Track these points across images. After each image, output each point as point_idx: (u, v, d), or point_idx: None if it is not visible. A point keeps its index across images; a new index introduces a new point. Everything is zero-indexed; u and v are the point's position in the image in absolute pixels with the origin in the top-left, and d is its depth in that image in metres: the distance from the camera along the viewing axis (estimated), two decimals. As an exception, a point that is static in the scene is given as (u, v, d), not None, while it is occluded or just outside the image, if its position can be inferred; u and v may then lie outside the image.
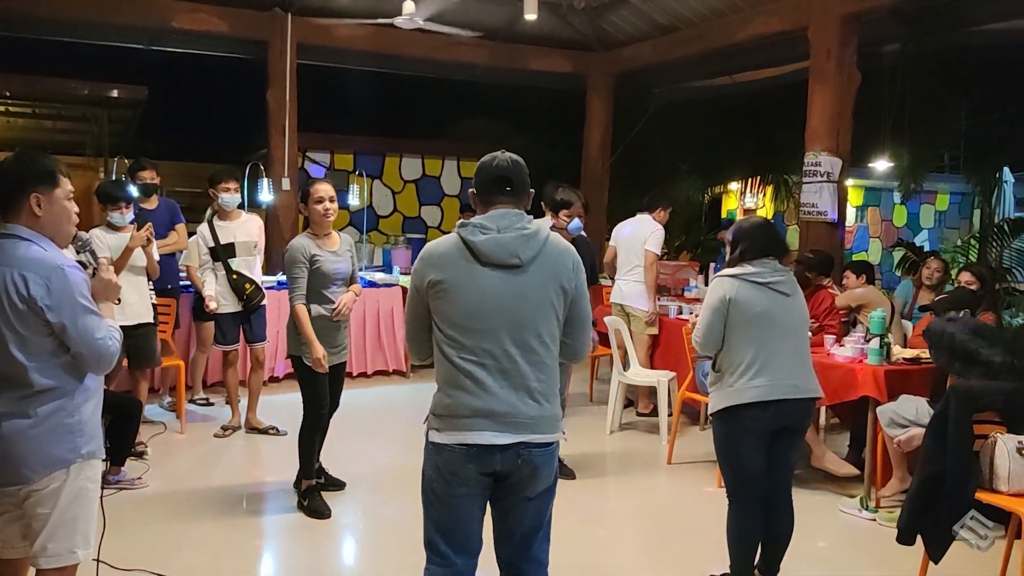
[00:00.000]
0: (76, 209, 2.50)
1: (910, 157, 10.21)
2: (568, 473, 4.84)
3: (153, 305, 5.23)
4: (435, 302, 2.37)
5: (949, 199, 16.67)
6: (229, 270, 5.50)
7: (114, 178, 9.28)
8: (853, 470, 4.62)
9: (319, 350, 4.06)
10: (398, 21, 6.39)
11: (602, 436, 5.87)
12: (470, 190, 2.54)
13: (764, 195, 13.79)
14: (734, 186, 14.53)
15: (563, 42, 10.09)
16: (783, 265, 3.36)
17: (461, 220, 2.46)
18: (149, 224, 4.99)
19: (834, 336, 5.03)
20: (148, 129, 11.08)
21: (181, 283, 6.13)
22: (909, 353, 4.63)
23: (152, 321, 5.18)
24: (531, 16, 7.76)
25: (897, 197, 14.82)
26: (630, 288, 6.21)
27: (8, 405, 2.30)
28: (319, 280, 4.13)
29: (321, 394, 4.22)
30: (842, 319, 5.48)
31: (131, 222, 5.03)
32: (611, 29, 9.98)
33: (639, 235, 6.19)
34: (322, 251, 4.16)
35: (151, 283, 5.24)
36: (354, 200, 10.16)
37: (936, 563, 3.32)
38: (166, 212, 5.82)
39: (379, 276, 7.80)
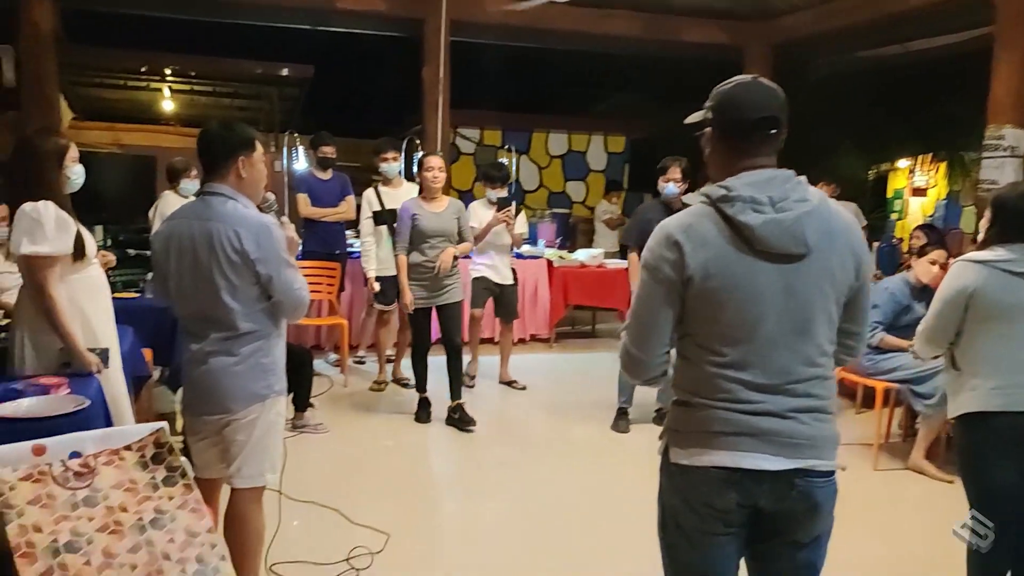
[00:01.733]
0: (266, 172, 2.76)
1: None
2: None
3: None
4: (694, 303, 1.81)
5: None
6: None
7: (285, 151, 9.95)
8: None
9: (408, 296, 4.98)
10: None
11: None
12: (705, 133, 1.93)
13: (936, 172, 12.93)
14: (903, 163, 13.70)
15: (718, 12, 9.78)
16: None
17: (708, 189, 1.84)
18: None
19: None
20: (313, 107, 11.69)
21: (348, 249, 6.64)
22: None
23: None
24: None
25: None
26: None
27: (216, 344, 2.60)
28: (418, 235, 4.96)
29: (421, 329, 5.11)
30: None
31: None
32: (768, -2, 9.58)
33: None
34: (424, 211, 4.99)
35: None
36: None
37: None
38: (337, 184, 6.41)
39: (525, 249, 7.91)
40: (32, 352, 2.87)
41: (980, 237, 2.83)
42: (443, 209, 5.06)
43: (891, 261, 8.64)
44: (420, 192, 5.16)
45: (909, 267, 5.09)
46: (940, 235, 6.65)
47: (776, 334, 1.77)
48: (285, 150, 7.24)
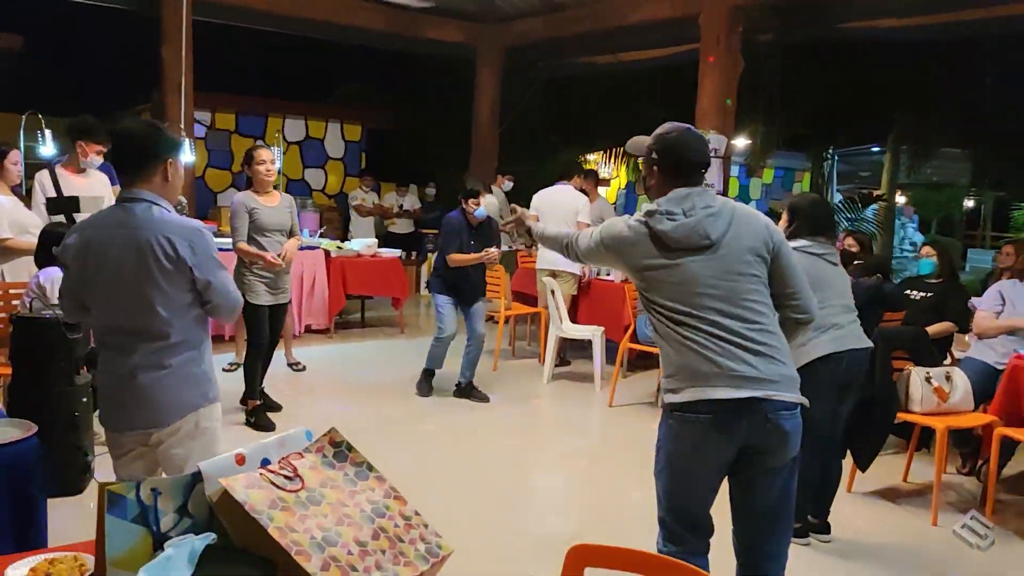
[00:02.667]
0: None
1: (762, 137, 11.42)
2: (482, 397, 5.79)
3: None
4: (647, 283, 2.39)
5: (774, 173, 18.37)
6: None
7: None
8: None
9: (268, 255, 4.82)
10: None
11: (540, 384, 6.41)
12: (651, 162, 2.48)
13: (620, 166, 14.72)
14: (592, 157, 15.45)
15: (457, 13, 10.37)
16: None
17: (648, 207, 2.44)
18: None
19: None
20: (24, 81, 10.25)
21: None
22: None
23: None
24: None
25: (735, 171, 16.39)
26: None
27: (146, 357, 2.47)
28: (257, 230, 4.89)
29: (261, 328, 5.00)
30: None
31: None
32: (501, 2, 10.37)
33: (570, 205, 6.66)
34: (260, 205, 4.92)
35: None
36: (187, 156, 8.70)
37: (864, 471, 4.15)
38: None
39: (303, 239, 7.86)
40: None
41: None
42: (278, 203, 5.01)
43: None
44: (250, 185, 5.00)
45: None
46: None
47: (718, 300, 2.31)
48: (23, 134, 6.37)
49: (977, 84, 10.98)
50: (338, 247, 7.74)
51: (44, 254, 4.30)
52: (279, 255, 4.91)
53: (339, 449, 1.65)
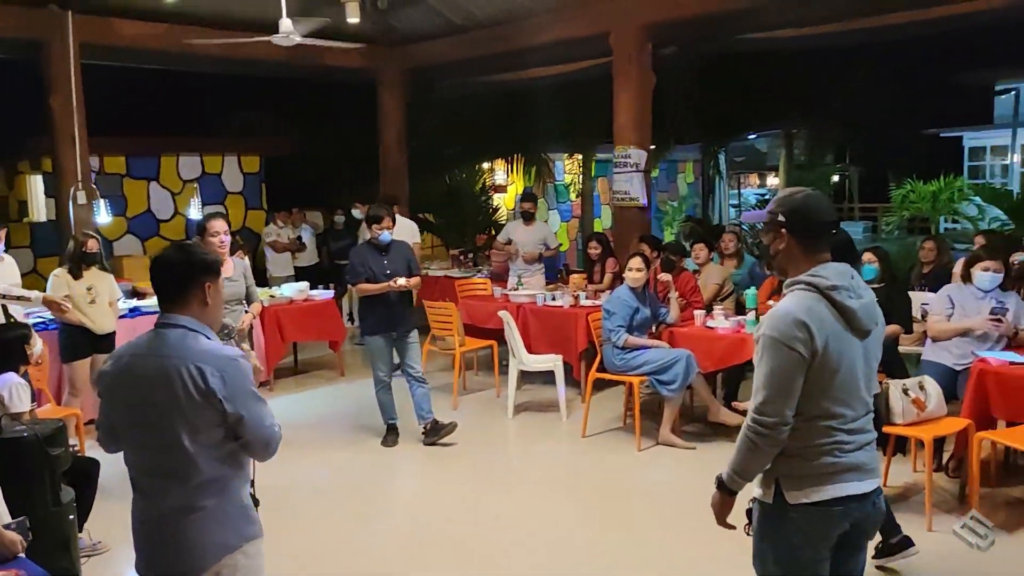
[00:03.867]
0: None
1: (660, 140, 11.82)
2: (450, 428, 5.77)
3: None
4: (814, 372, 2.23)
5: (659, 167, 19.00)
6: None
7: None
8: (743, 419, 5.63)
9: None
10: (275, 39, 6.21)
11: (504, 419, 6.40)
12: (778, 226, 2.34)
13: (517, 173, 14.84)
14: (486, 165, 15.52)
15: (354, 38, 10.13)
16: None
17: (809, 279, 2.29)
18: None
19: (702, 311, 6.01)
20: None
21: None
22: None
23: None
24: (354, 20, 7.89)
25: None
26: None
27: (177, 499, 2.30)
28: None
29: None
30: (722, 295, 6.53)
31: None
32: (400, 25, 10.22)
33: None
34: None
35: None
36: (103, 218, 8.29)
37: (855, 484, 4.37)
38: None
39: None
40: None
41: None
42: (232, 272, 4.90)
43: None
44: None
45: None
46: (606, 242, 8.00)
47: (862, 391, 2.32)
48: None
49: (849, 80, 11.84)
50: (271, 296, 7.46)
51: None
52: (239, 328, 4.77)
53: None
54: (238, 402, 2.30)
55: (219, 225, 4.84)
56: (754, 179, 26.54)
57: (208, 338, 2.38)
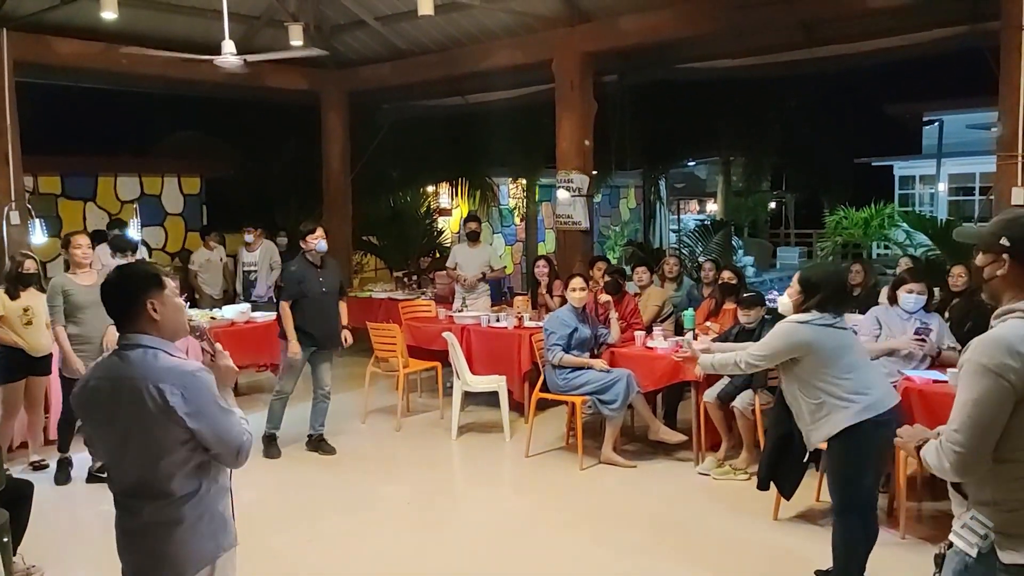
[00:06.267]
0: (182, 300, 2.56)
1: (603, 165, 12.05)
2: (330, 449, 6.04)
3: None
4: None
5: (601, 192, 19.28)
6: None
7: None
8: (683, 437, 5.75)
9: (76, 362, 5.26)
10: (219, 60, 6.18)
11: (448, 440, 6.41)
12: (1000, 250, 2.08)
13: (462, 196, 14.90)
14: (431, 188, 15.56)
15: (298, 60, 10.13)
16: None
17: None
18: None
19: (642, 332, 6.14)
20: None
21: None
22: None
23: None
24: (297, 42, 7.90)
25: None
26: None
27: (153, 515, 2.33)
28: (72, 308, 5.35)
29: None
30: (662, 315, 6.67)
31: None
32: (344, 49, 10.28)
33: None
34: (76, 286, 5.39)
35: None
36: (39, 238, 8.29)
37: (788, 499, 4.52)
38: None
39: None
40: None
41: (788, 303, 3.83)
42: (94, 282, 5.33)
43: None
44: (68, 268, 5.55)
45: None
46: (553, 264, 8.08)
47: None
48: None
49: (784, 110, 12.28)
50: (212, 319, 7.35)
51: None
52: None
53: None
54: (200, 417, 2.31)
55: (83, 240, 5.56)
56: (694, 205, 27.14)
57: (170, 354, 2.38)
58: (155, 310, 2.39)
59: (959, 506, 2.19)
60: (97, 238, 6.81)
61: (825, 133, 16.11)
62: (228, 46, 6.01)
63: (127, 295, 2.39)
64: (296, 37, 7.94)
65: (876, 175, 22.81)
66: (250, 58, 6.37)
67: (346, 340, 6.18)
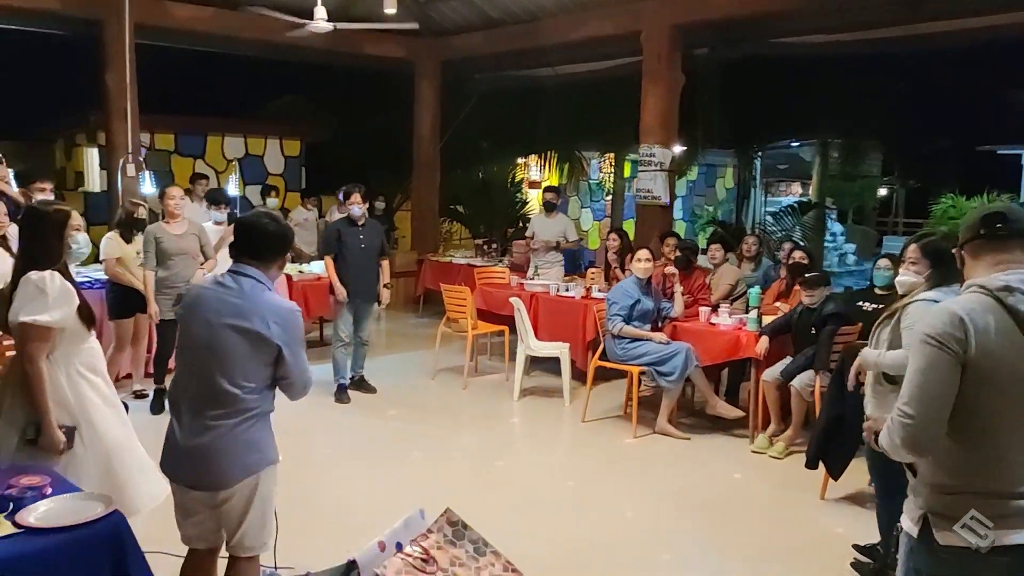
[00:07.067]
0: None
1: (690, 141, 11.87)
2: (370, 388, 6.63)
3: None
4: (973, 386, 1.95)
5: (697, 171, 18.95)
6: None
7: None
8: (740, 413, 5.78)
9: (154, 306, 5.75)
10: (311, 25, 6.52)
11: (509, 401, 6.63)
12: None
13: (551, 169, 14.98)
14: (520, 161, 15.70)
15: (393, 29, 10.42)
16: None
17: (984, 281, 2.03)
18: None
19: (708, 308, 6.16)
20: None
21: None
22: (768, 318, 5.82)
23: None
24: (391, 10, 8.13)
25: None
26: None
27: (213, 421, 2.63)
28: (162, 255, 5.78)
29: (165, 337, 5.84)
30: (734, 295, 6.66)
31: None
32: (438, 17, 10.49)
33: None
34: (167, 234, 5.82)
35: None
36: (147, 188, 9.45)
37: (836, 480, 4.52)
38: None
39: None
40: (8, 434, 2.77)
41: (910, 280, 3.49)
42: (184, 231, 5.86)
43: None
44: (163, 217, 5.98)
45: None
46: (625, 238, 8.14)
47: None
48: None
49: (889, 90, 11.75)
50: (300, 271, 7.77)
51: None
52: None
53: (456, 528, 1.83)
54: (291, 348, 2.65)
55: (176, 192, 6.01)
56: (796, 188, 26.27)
57: (271, 291, 2.72)
58: (283, 263, 2.82)
59: (911, 488, 2.18)
60: (210, 197, 7.29)
61: (937, 117, 15.29)
62: (319, 12, 6.31)
63: (282, 245, 2.78)
64: (390, 5, 8.19)
65: (1000, 164, 21.52)
66: (340, 25, 6.62)
67: (381, 298, 6.58)
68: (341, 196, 7.28)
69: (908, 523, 2.11)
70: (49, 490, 2.43)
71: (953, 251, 2.21)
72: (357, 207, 6.39)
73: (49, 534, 2.22)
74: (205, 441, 2.64)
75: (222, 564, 2.86)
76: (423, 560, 1.65)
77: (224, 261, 5.97)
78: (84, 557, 2.26)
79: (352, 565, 1.62)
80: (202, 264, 5.98)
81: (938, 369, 1.95)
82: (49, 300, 2.79)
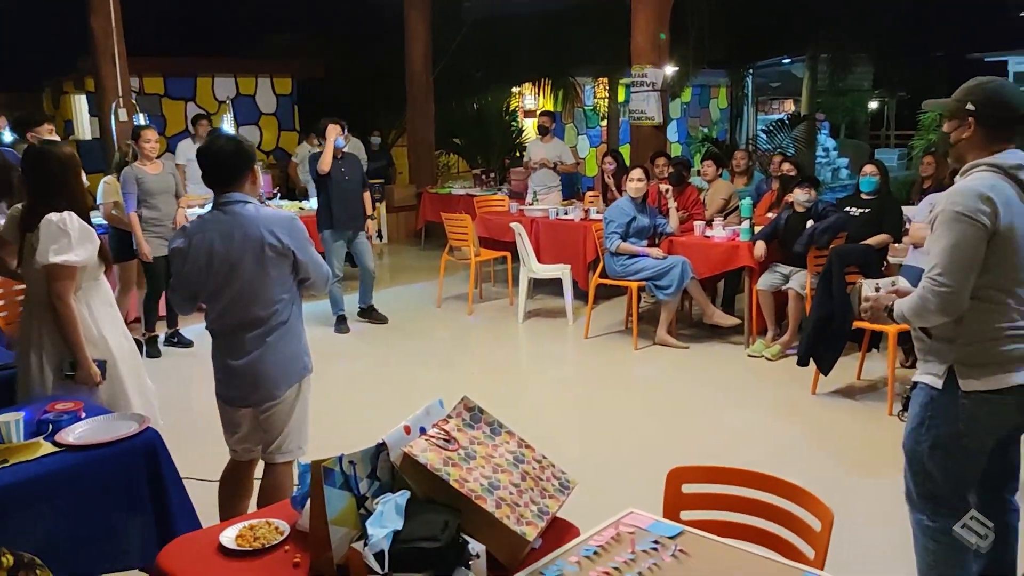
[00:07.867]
0: None
1: (683, 61, 11.84)
2: (381, 318, 6.82)
3: None
4: (996, 250, 2.25)
5: (691, 92, 18.78)
6: None
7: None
8: (736, 320, 6.00)
9: (145, 246, 5.84)
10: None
11: (515, 323, 6.84)
12: (965, 114, 2.36)
13: (545, 97, 14.91)
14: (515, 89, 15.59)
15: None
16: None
17: (995, 160, 2.31)
18: None
19: (702, 222, 6.31)
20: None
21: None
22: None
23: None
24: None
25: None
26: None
27: (257, 342, 2.80)
28: (145, 194, 5.86)
29: (157, 274, 5.89)
30: (727, 209, 6.80)
31: None
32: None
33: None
34: (146, 174, 5.89)
35: None
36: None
37: (826, 375, 4.77)
38: None
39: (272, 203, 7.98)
40: (46, 371, 2.90)
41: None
42: (161, 171, 5.98)
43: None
44: (137, 159, 5.94)
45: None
46: (621, 159, 8.23)
47: None
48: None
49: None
50: (300, 208, 7.89)
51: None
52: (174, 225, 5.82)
53: (473, 412, 2.02)
54: (304, 251, 2.82)
55: (151, 134, 5.97)
56: (789, 105, 26.10)
57: (263, 206, 2.86)
58: (256, 176, 2.88)
59: (923, 347, 2.42)
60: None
61: (927, 26, 15.18)
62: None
63: (242, 161, 2.83)
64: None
65: (988, 70, 21.35)
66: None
67: (368, 230, 6.65)
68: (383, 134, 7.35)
69: (931, 378, 2.37)
70: (83, 414, 2.60)
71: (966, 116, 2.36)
72: (340, 139, 6.47)
73: (89, 451, 2.40)
74: (249, 361, 2.81)
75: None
76: (445, 440, 1.83)
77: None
78: (122, 470, 2.44)
79: (382, 446, 1.81)
80: (179, 202, 6.10)
81: (971, 242, 2.23)
82: (72, 240, 2.86)
